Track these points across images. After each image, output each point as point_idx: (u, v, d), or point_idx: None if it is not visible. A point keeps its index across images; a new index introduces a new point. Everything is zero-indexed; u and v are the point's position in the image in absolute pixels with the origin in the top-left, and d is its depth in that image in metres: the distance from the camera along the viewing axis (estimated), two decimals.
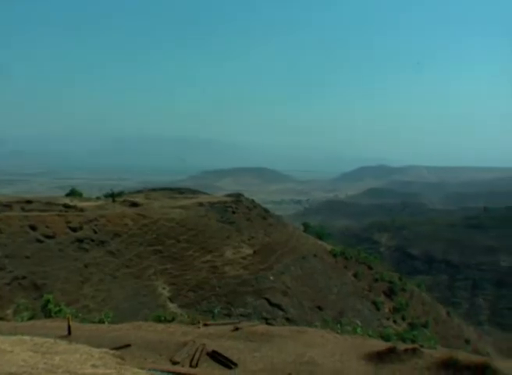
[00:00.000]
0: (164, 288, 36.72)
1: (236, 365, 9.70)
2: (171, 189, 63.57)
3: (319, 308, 43.60)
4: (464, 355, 9.10)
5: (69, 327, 13.94)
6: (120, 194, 55.08)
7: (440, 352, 9.58)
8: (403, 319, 50.30)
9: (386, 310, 51.10)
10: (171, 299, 36.10)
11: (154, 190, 62.71)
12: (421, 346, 10.79)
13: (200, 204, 51.01)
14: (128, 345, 12.47)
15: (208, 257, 42.78)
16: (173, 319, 15.82)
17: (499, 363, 9.01)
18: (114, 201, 48.96)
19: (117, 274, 35.85)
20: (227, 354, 10.24)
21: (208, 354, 10.81)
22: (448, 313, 63.27)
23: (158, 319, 16.44)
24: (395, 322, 48.23)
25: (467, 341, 54.20)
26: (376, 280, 55.83)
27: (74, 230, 36.72)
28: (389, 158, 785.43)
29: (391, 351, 9.33)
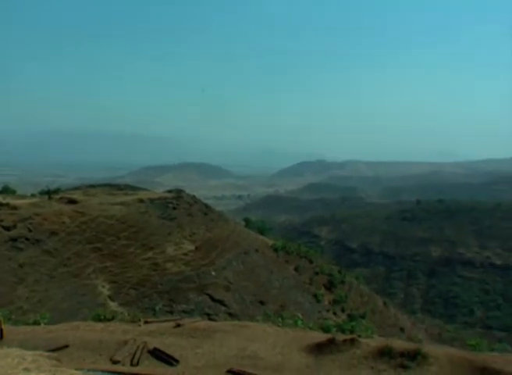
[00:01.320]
0: (104, 287, 35.91)
1: (177, 361, 9.64)
2: (110, 185, 62.13)
3: (261, 302, 43.98)
4: (398, 343, 9.46)
5: (1, 331, 13.36)
6: (56, 191, 53.27)
7: (376, 341, 9.91)
8: (343, 310, 51.57)
9: (326, 302, 52.18)
10: (111, 297, 35.36)
11: (92, 186, 61.02)
12: (359, 336, 11.11)
13: (141, 200, 50.17)
14: (65, 346, 12.11)
15: (149, 254, 42.19)
16: (113, 318, 15.49)
17: (430, 348, 9.43)
18: (50, 198, 47.25)
19: (54, 274, 34.71)
20: (169, 351, 10.15)
21: (149, 352, 10.67)
22: (385, 303, 65.39)
23: (98, 319, 16.04)
24: (335, 313, 49.36)
25: (402, 329, 56.31)
26: (317, 274, 56.88)
27: (7, 228, 35.21)
28: (328, 153, 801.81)
29: (330, 342, 9.56)
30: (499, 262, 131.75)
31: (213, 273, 42.98)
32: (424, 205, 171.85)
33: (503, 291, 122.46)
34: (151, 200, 51.05)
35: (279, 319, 16.95)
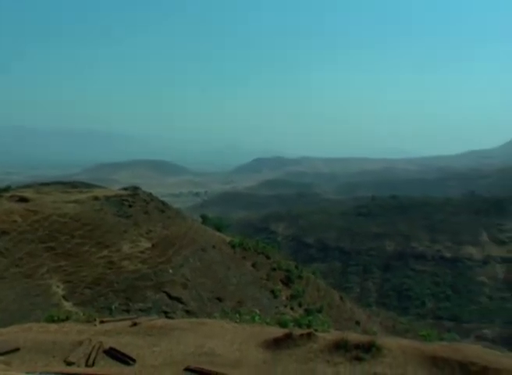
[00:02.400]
0: (58, 286, 35.06)
1: (134, 361, 9.53)
2: (63, 183, 60.52)
3: (219, 299, 43.90)
4: (353, 336, 9.66)
5: None
6: (7, 189, 51.49)
7: (333, 335, 10.09)
8: (300, 305, 52.08)
9: (284, 298, 52.55)
10: (66, 297, 34.55)
11: (45, 184, 59.30)
12: (316, 330, 11.28)
13: (96, 198, 49.17)
14: (16, 349, 11.74)
15: (105, 252, 41.41)
16: (68, 318, 15.14)
17: (384, 340, 9.68)
18: (0, 196, 45.71)
19: (5, 275, 33.63)
20: (125, 350, 10.03)
21: (105, 351, 10.50)
22: (341, 298, 66.41)
23: (51, 320, 15.64)
24: (292, 308, 49.79)
25: (358, 323, 57.40)
26: (274, 269, 57.17)
27: None
28: (285, 150, 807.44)
29: (287, 336, 9.67)
30: (448, 255, 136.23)
31: (170, 271, 42.62)
32: (378, 201, 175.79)
33: (452, 283, 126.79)
34: (107, 197, 50.12)
35: (237, 316, 16.99)
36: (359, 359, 8.63)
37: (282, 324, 15.18)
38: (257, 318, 16.49)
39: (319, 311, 48.83)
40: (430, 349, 8.87)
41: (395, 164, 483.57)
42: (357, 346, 8.86)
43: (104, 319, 14.91)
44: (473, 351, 9.06)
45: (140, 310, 35.20)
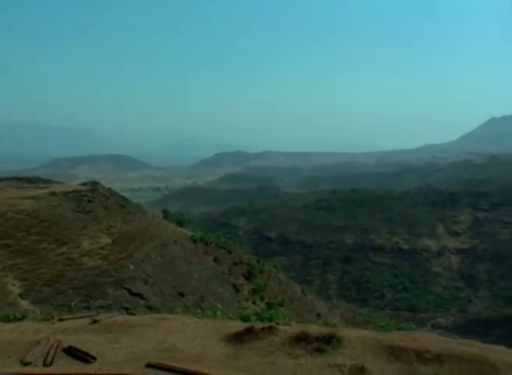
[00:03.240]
0: (14, 285, 34.14)
1: (94, 358, 9.41)
2: (19, 179, 58.84)
3: (181, 294, 43.69)
4: (314, 328, 9.80)
5: None
6: None
7: (294, 327, 10.22)
8: (262, 299, 52.38)
9: (246, 292, 52.74)
10: (22, 296, 33.69)
11: None
12: (277, 323, 11.38)
13: (53, 193, 48.06)
14: None
15: (64, 249, 40.55)
16: (24, 317, 14.78)
17: (344, 331, 9.86)
18: None
19: None
20: (85, 348, 9.88)
21: (63, 350, 10.32)
22: (302, 291, 67.14)
23: (7, 319, 15.23)
24: (254, 303, 50.04)
25: (319, 315, 58.22)
26: (236, 264, 57.27)
27: None
28: (246, 144, 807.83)
29: (249, 331, 9.73)
30: (406, 247, 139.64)
31: (131, 267, 42.13)
32: (338, 194, 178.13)
33: (409, 274, 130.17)
34: (65, 193, 49.06)
35: (199, 311, 16.96)
36: (320, 351, 8.78)
37: (244, 318, 15.23)
38: (219, 313, 16.50)
39: (281, 304, 49.21)
40: (388, 339, 9.11)
41: (355, 158, 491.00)
42: (318, 338, 9.00)
43: (63, 317, 14.63)
44: (428, 339, 9.35)
45: (101, 307, 34.68)
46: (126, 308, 35.80)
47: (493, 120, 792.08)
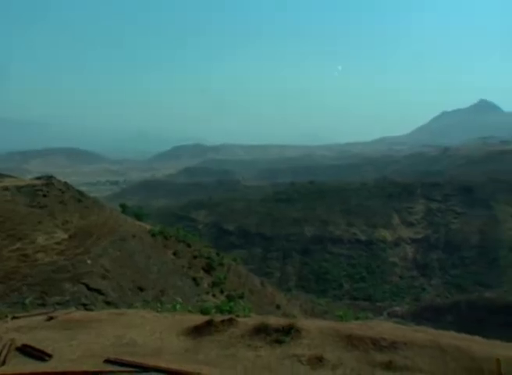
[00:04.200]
0: None
1: (50, 356, 9.22)
2: None
3: (140, 288, 43.21)
4: (273, 320, 9.91)
5: None
6: None
7: (253, 319, 10.30)
8: (222, 292, 52.41)
9: (206, 285, 52.65)
10: None
11: None
12: (237, 316, 11.44)
13: (6, 188, 46.53)
14: None
15: (18, 245, 39.39)
16: None
17: (303, 322, 10.01)
18: None
19: None
20: (40, 346, 9.67)
21: (17, 349, 10.05)
22: (262, 283, 67.54)
23: None
24: (214, 296, 50.03)
25: (278, 307, 58.71)
26: (195, 257, 57.05)
27: None
28: (205, 137, 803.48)
29: (209, 323, 9.75)
30: (363, 238, 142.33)
31: (89, 262, 41.36)
32: (297, 186, 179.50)
33: (366, 265, 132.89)
34: (18, 188, 47.58)
35: (158, 305, 16.88)
36: (279, 342, 8.89)
37: (204, 311, 15.25)
38: (178, 306, 16.46)
39: (241, 297, 49.39)
40: (346, 328, 9.29)
41: (313, 151, 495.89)
42: (277, 329, 9.11)
43: (17, 315, 14.27)
44: (384, 327, 9.61)
45: (57, 303, 33.94)
46: (84, 304, 35.17)
47: (445, 114, 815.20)
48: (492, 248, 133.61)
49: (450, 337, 8.75)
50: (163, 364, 5.86)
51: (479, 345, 8.16)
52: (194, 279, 52.01)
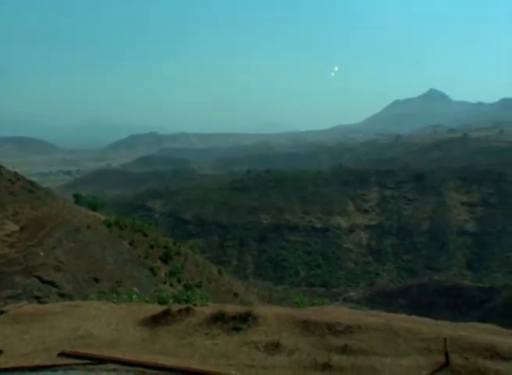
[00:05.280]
0: None
1: (1, 352, 8.98)
2: None
3: (96, 280, 42.59)
4: (230, 308, 9.97)
5: None
6: None
7: (211, 308, 10.33)
8: (179, 281, 52.30)
9: (163, 275, 52.39)
10: None
11: None
12: (195, 305, 11.45)
13: None
14: None
15: None
16: None
17: (260, 309, 10.11)
18: None
19: None
20: None
21: None
22: (219, 271, 67.75)
23: None
24: (171, 285, 49.85)
25: (236, 295, 59.12)
26: (152, 247, 56.65)
27: None
28: (160, 126, 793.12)
29: (166, 313, 9.72)
30: (319, 226, 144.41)
31: (41, 254, 40.40)
32: (253, 175, 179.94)
33: (322, 251, 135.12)
34: None
35: (114, 296, 16.67)
36: (236, 330, 8.96)
37: (161, 301, 15.19)
38: (135, 297, 16.34)
39: (198, 286, 49.47)
40: (302, 314, 9.44)
41: (269, 139, 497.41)
42: (235, 317, 9.17)
43: None
44: (339, 312, 9.83)
45: (9, 297, 33.06)
46: (37, 297, 34.39)
47: (397, 103, 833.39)
48: (441, 233, 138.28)
49: (402, 320, 9.06)
50: (119, 355, 5.83)
51: (429, 326, 8.48)
52: (151, 269, 51.65)
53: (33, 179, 66.34)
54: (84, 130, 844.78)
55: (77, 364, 4.16)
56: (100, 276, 43.83)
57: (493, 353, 7.08)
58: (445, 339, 6.56)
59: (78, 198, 72.27)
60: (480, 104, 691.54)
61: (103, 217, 58.29)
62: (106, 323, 9.60)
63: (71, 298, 33.62)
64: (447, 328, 8.53)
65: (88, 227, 51.43)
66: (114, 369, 4.18)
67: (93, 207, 65.20)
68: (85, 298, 22.95)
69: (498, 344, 7.37)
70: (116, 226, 56.28)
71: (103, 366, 4.32)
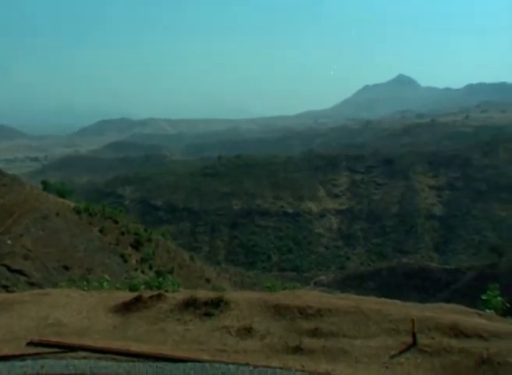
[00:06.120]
0: None
1: None
2: None
3: (65, 267, 42.20)
4: (202, 293, 9.96)
5: None
6: None
7: (182, 294, 10.30)
8: (151, 268, 52.19)
9: (134, 261, 52.18)
10: None
11: None
12: (166, 291, 11.42)
13: None
14: None
15: None
16: None
17: (232, 294, 10.17)
18: None
19: None
20: None
21: None
22: (191, 257, 67.83)
23: None
24: (143, 272, 49.70)
25: (208, 280, 59.37)
26: (123, 234, 56.30)
27: None
28: (130, 111, 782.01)
29: (137, 299, 9.65)
30: (290, 211, 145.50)
31: (9, 242, 39.75)
32: (224, 160, 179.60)
33: (293, 236, 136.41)
34: None
35: (85, 283, 16.52)
36: (208, 315, 8.97)
37: (133, 288, 15.11)
38: (105, 284, 16.21)
39: (170, 272, 49.40)
40: (273, 299, 9.51)
41: (239, 124, 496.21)
42: (206, 303, 9.17)
43: None
44: (310, 296, 9.94)
45: None
46: (5, 287, 33.90)
47: (366, 88, 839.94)
48: (410, 217, 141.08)
49: (372, 302, 9.21)
50: (90, 342, 5.79)
51: (397, 308, 8.65)
52: (122, 256, 51.38)
53: None
54: (51, 115, 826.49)
55: (47, 353, 4.12)
56: (70, 263, 43.41)
57: (457, 332, 7.30)
58: (412, 320, 6.73)
59: (46, 185, 71.00)
60: (447, 89, 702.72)
61: (72, 204, 57.49)
62: (76, 311, 9.50)
63: (40, 286, 33.20)
64: (415, 309, 8.74)
65: (57, 214, 50.74)
66: (85, 357, 4.14)
67: (61, 194, 64.17)
68: (55, 286, 22.69)
69: (461, 323, 7.60)
70: (86, 213, 55.66)
71: (73, 354, 4.27)
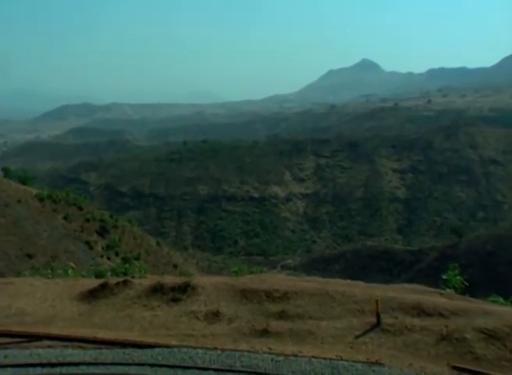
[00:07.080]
0: None
1: None
2: None
3: (29, 256, 41.51)
4: (169, 279, 10.01)
5: None
6: None
7: (149, 280, 10.32)
8: (117, 254, 51.77)
9: (100, 248, 51.66)
10: None
11: None
12: (133, 277, 11.38)
13: None
14: None
15: None
16: None
17: (199, 279, 10.22)
18: None
19: None
20: None
21: None
22: (158, 243, 67.53)
23: None
24: (109, 258, 49.30)
25: (175, 266, 59.26)
26: (88, 220, 55.56)
27: None
28: (92, 95, 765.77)
29: (103, 286, 9.61)
30: (256, 195, 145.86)
31: None
32: (190, 145, 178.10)
33: (260, 221, 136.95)
34: None
35: (49, 271, 16.28)
36: (175, 300, 9.01)
37: (98, 275, 15.00)
38: (70, 271, 16.03)
39: (136, 258, 49.13)
40: (240, 283, 9.61)
41: (204, 109, 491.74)
42: (173, 288, 9.21)
43: None
44: (277, 279, 10.08)
45: None
46: None
47: (331, 72, 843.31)
48: (374, 200, 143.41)
49: (337, 284, 9.42)
50: (56, 331, 5.73)
51: (362, 289, 8.87)
52: (88, 243, 50.79)
53: None
54: (8, 100, 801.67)
55: (10, 343, 4.06)
56: (33, 251, 42.69)
57: (419, 311, 7.54)
58: (376, 300, 6.91)
59: (7, 172, 69.25)
60: (409, 74, 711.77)
61: (35, 191, 56.32)
62: (41, 300, 9.39)
63: (2, 275, 32.49)
64: (379, 290, 8.97)
65: (19, 202, 49.67)
66: (50, 346, 4.11)
67: (23, 181, 62.71)
68: (18, 274, 22.27)
69: (424, 302, 7.85)
70: (49, 200, 54.65)
71: (38, 343, 4.24)
